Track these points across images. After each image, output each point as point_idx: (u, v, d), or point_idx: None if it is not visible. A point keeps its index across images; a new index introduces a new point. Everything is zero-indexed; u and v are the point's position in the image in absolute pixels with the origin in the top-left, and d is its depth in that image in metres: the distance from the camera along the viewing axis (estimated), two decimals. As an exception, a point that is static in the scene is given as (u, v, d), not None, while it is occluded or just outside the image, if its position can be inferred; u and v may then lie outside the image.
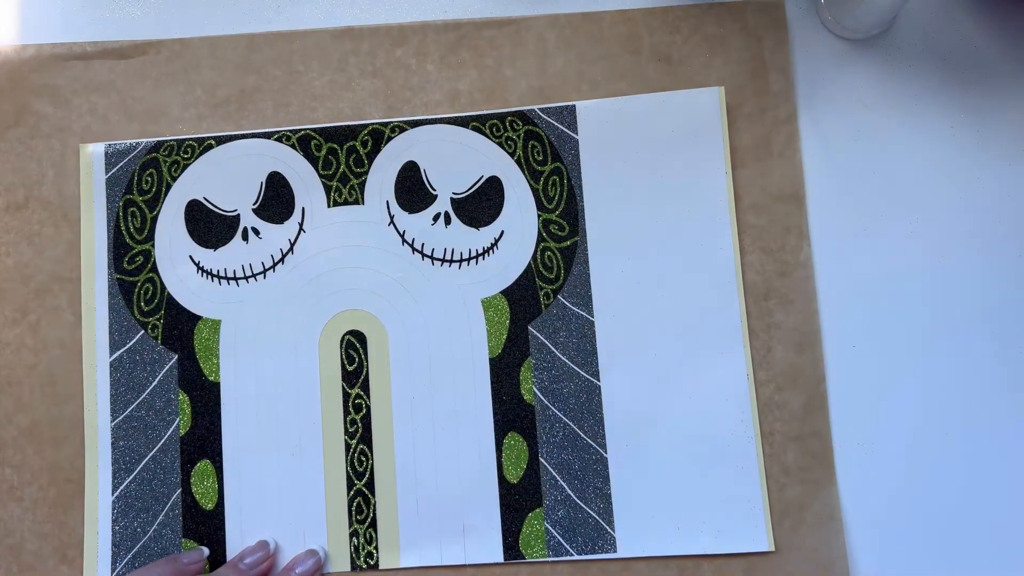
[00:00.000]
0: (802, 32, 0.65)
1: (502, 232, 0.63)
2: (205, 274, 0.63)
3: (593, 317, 0.62)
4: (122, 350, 0.62)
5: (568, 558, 0.60)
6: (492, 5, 0.66)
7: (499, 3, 0.66)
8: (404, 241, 0.63)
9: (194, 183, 0.63)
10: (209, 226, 0.63)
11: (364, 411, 0.61)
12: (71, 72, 0.65)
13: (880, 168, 0.63)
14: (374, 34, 0.65)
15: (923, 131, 0.64)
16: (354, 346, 0.62)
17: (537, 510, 0.60)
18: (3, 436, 0.62)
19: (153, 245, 0.63)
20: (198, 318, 0.62)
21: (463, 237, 0.63)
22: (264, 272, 0.63)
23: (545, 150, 0.63)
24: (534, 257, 0.62)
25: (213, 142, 0.64)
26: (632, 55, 0.65)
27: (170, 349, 0.62)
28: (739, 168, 0.63)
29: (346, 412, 0.62)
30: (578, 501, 0.60)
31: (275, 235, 0.63)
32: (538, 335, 0.62)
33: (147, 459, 0.61)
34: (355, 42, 0.65)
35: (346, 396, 0.62)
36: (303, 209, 0.63)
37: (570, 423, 0.61)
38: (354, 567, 0.60)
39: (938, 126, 0.64)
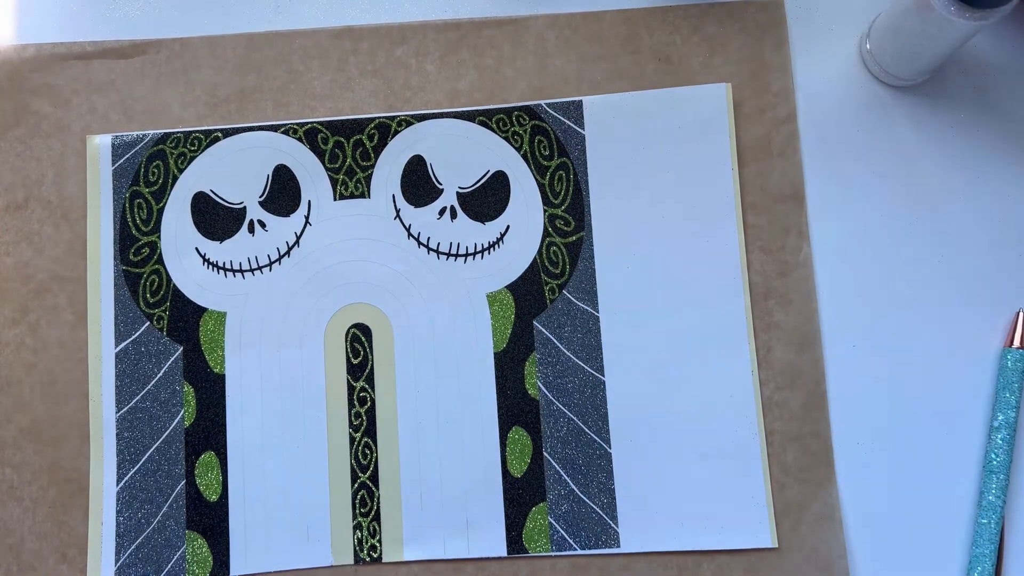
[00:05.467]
0: (802, 32, 0.66)
1: (508, 227, 0.63)
2: (211, 266, 0.63)
3: (598, 313, 0.62)
4: (127, 341, 0.62)
5: (571, 552, 0.60)
6: (492, 5, 0.67)
7: (499, 3, 0.67)
8: (410, 235, 0.63)
9: (201, 175, 0.63)
10: (215, 218, 0.63)
11: (369, 404, 0.61)
12: (71, 72, 0.65)
13: (880, 168, 0.64)
14: (374, 34, 0.65)
15: (923, 130, 0.64)
16: (359, 339, 0.62)
17: (541, 504, 0.60)
18: (3, 436, 0.61)
19: (159, 237, 0.63)
20: (204, 310, 0.62)
21: (469, 231, 0.63)
22: (270, 265, 0.63)
23: (552, 145, 0.63)
24: (540, 252, 0.63)
25: (220, 134, 0.64)
26: (632, 55, 0.65)
27: (175, 341, 0.62)
28: (739, 167, 0.63)
29: (351, 405, 0.61)
30: (582, 496, 0.60)
31: (281, 228, 0.63)
32: (543, 330, 0.62)
33: (152, 450, 0.61)
34: (355, 42, 0.65)
35: (351, 389, 0.62)
36: (309, 202, 0.63)
37: (574, 418, 0.61)
38: (357, 560, 0.60)
39: (939, 125, 0.64)
